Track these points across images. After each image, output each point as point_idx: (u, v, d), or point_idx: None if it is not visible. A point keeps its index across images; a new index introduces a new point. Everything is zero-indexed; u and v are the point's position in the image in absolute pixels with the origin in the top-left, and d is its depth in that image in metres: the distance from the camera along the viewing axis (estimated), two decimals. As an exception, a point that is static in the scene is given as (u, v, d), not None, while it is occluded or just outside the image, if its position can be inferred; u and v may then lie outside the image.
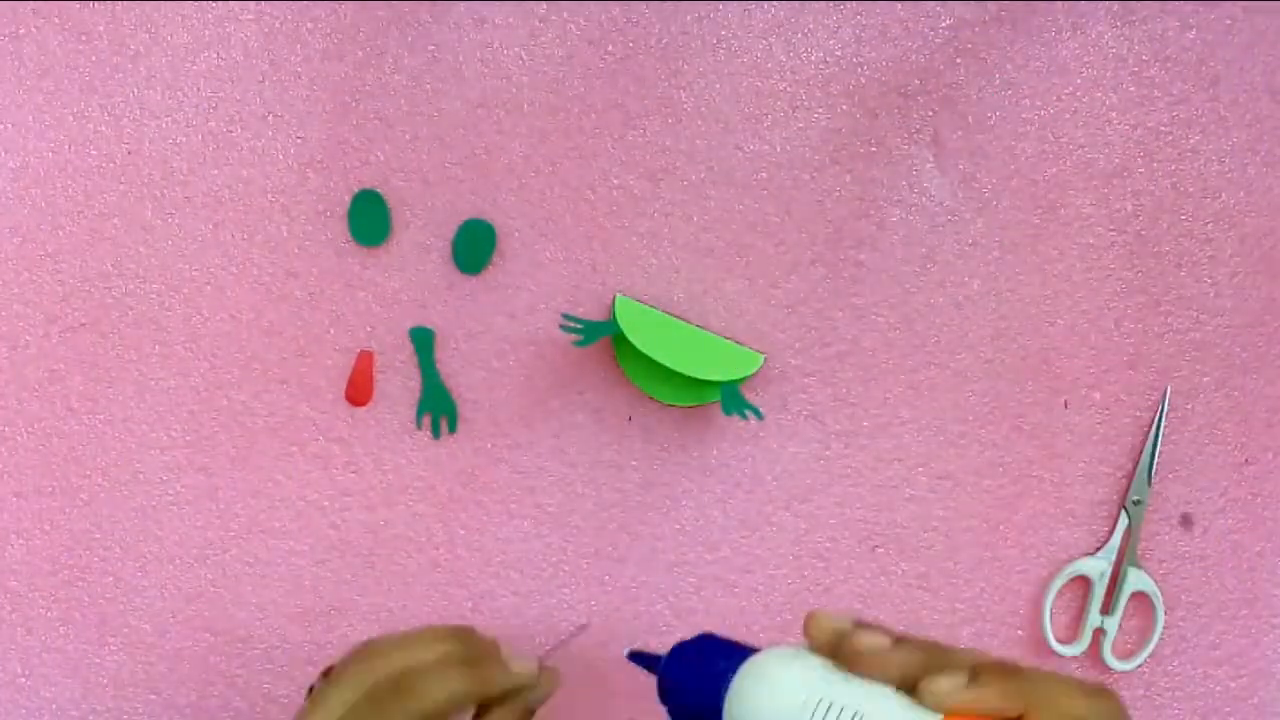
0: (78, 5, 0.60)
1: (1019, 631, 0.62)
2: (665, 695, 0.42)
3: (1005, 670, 0.35)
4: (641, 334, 0.58)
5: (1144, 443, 0.61)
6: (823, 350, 0.61)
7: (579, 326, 0.57)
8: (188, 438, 0.61)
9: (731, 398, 0.58)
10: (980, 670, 0.35)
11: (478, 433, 0.61)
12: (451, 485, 0.61)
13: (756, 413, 0.58)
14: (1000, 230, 0.61)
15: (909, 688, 0.36)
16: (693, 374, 0.57)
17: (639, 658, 0.45)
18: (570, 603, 0.62)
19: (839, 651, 0.38)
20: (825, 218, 0.60)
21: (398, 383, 0.61)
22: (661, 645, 0.63)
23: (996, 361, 0.61)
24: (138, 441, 0.61)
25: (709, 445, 0.61)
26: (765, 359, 0.60)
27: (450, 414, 0.61)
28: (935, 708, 0.34)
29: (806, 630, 0.39)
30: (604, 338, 0.59)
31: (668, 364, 0.57)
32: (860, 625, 0.38)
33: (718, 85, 0.60)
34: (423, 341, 0.60)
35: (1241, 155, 0.61)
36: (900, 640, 0.37)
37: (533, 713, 0.51)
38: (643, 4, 0.59)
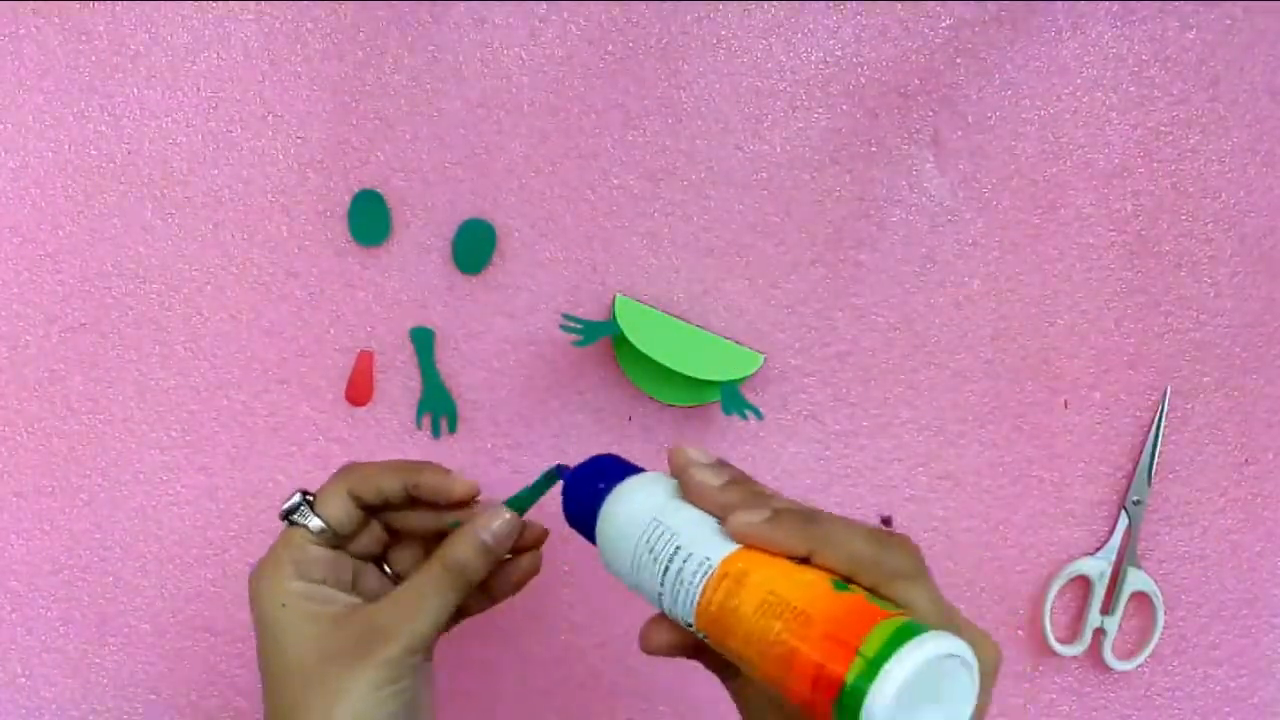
0: (78, 5, 0.60)
1: (1019, 631, 0.62)
2: (565, 509, 0.47)
3: (803, 514, 0.39)
4: (641, 334, 0.58)
5: (1144, 443, 0.61)
6: (823, 350, 0.61)
7: (579, 326, 0.57)
8: (188, 438, 0.61)
9: (731, 398, 0.58)
10: (781, 512, 0.39)
11: (478, 433, 0.61)
12: (451, 485, 0.61)
13: (756, 412, 0.58)
14: (1000, 230, 0.61)
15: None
16: (693, 374, 0.57)
17: (560, 471, 0.48)
18: (570, 602, 0.62)
19: (685, 492, 0.42)
20: (825, 218, 0.60)
21: (398, 383, 0.61)
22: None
23: (996, 361, 0.61)
24: (138, 441, 0.61)
25: (709, 445, 0.61)
26: (765, 359, 0.60)
27: (450, 414, 0.61)
28: (734, 538, 0.39)
29: (669, 460, 0.43)
30: (604, 338, 0.59)
31: (668, 364, 0.57)
32: (710, 464, 0.42)
33: (718, 85, 0.60)
34: (423, 341, 0.60)
35: (1241, 155, 0.61)
36: (733, 481, 0.41)
37: (514, 585, 0.50)
38: (643, 4, 0.59)
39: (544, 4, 0.59)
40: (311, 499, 0.47)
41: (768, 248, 0.60)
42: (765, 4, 0.60)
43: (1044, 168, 0.60)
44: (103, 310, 0.61)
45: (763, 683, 0.37)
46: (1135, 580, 0.61)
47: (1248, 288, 0.61)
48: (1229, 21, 0.60)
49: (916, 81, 0.60)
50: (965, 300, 0.61)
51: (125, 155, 0.60)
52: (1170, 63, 0.60)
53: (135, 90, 0.60)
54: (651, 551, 0.40)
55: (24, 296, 0.61)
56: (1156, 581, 0.61)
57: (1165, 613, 0.61)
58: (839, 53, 0.60)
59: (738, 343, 0.60)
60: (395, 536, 0.50)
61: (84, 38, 0.60)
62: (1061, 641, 0.62)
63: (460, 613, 0.48)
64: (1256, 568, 0.62)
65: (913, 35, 0.60)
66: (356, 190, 0.60)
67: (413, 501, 0.48)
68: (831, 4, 0.60)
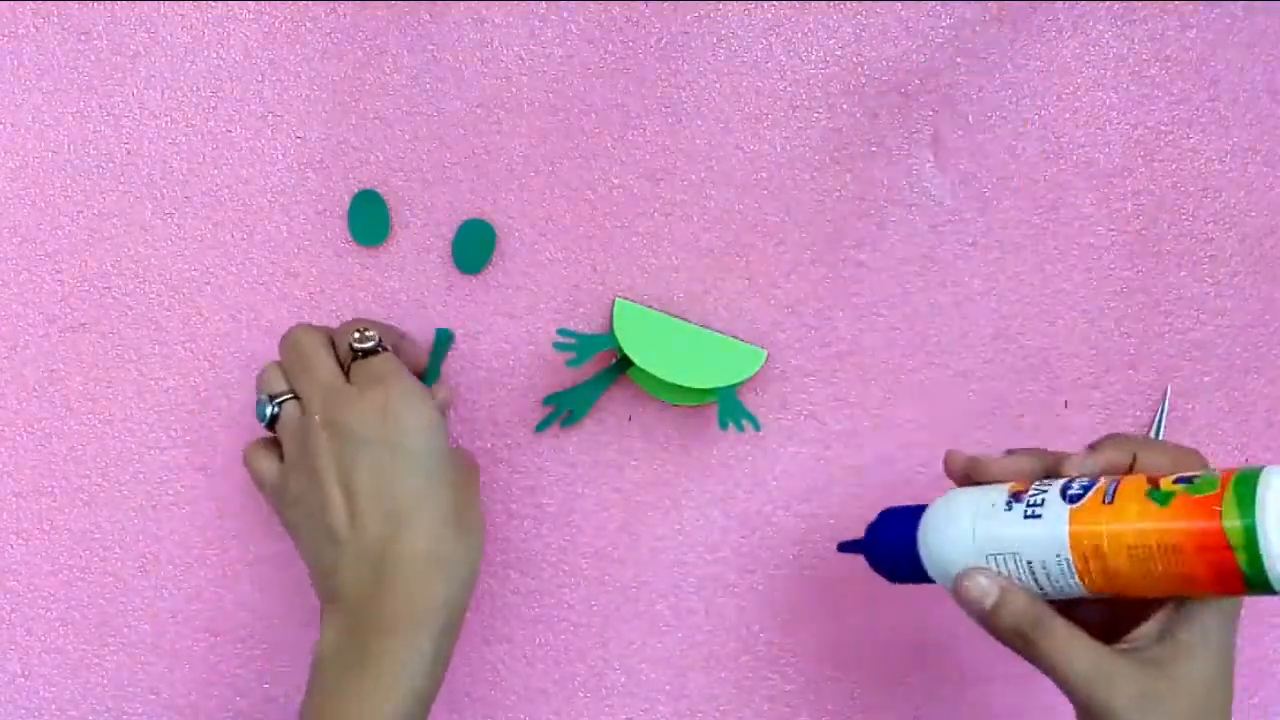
0: (78, 5, 0.60)
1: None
2: (875, 563, 0.52)
3: (1113, 437, 0.46)
4: (640, 342, 0.58)
5: (1144, 443, 0.61)
6: (823, 350, 0.61)
7: (573, 343, 0.57)
8: (188, 438, 0.61)
9: (728, 407, 0.57)
10: (1094, 444, 0.46)
11: (478, 433, 0.61)
12: (451, 485, 0.61)
13: (754, 423, 0.58)
14: (1000, 230, 0.61)
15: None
16: (694, 384, 0.57)
17: (848, 546, 0.53)
18: (570, 603, 0.62)
19: (975, 475, 0.48)
20: (825, 218, 0.60)
21: (398, 383, 0.61)
22: (663, 647, 0.63)
23: (996, 361, 0.61)
24: (138, 441, 0.61)
25: (709, 445, 0.61)
26: (767, 355, 0.60)
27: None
28: (1077, 473, 0.45)
29: (946, 466, 0.49)
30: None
31: (668, 377, 0.57)
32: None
33: (718, 85, 0.60)
34: (443, 342, 0.60)
35: (1242, 155, 0.61)
36: (1008, 450, 0.48)
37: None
38: (643, 4, 0.59)
39: (544, 4, 0.59)
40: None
41: (768, 248, 0.60)
42: (765, 4, 0.60)
43: (1044, 168, 0.60)
44: (103, 310, 0.61)
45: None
46: (1135, 580, 0.61)
47: (1248, 288, 0.61)
48: (1229, 21, 0.60)
49: (916, 81, 0.60)
50: (965, 300, 0.61)
51: (125, 155, 0.60)
52: (1170, 62, 0.60)
53: (135, 90, 0.60)
54: (1007, 573, 0.45)
55: (24, 296, 0.61)
56: (1156, 581, 0.61)
57: (1165, 613, 0.61)
58: (839, 53, 0.60)
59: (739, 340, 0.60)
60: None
61: (83, 38, 0.60)
62: (1062, 641, 0.61)
63: None
64: (1257, 568, 0.62)
65: (913, 35, 0.60)
66: (356, 190, 0.60)
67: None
68: (831, 4, 0.60)
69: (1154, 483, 0.41)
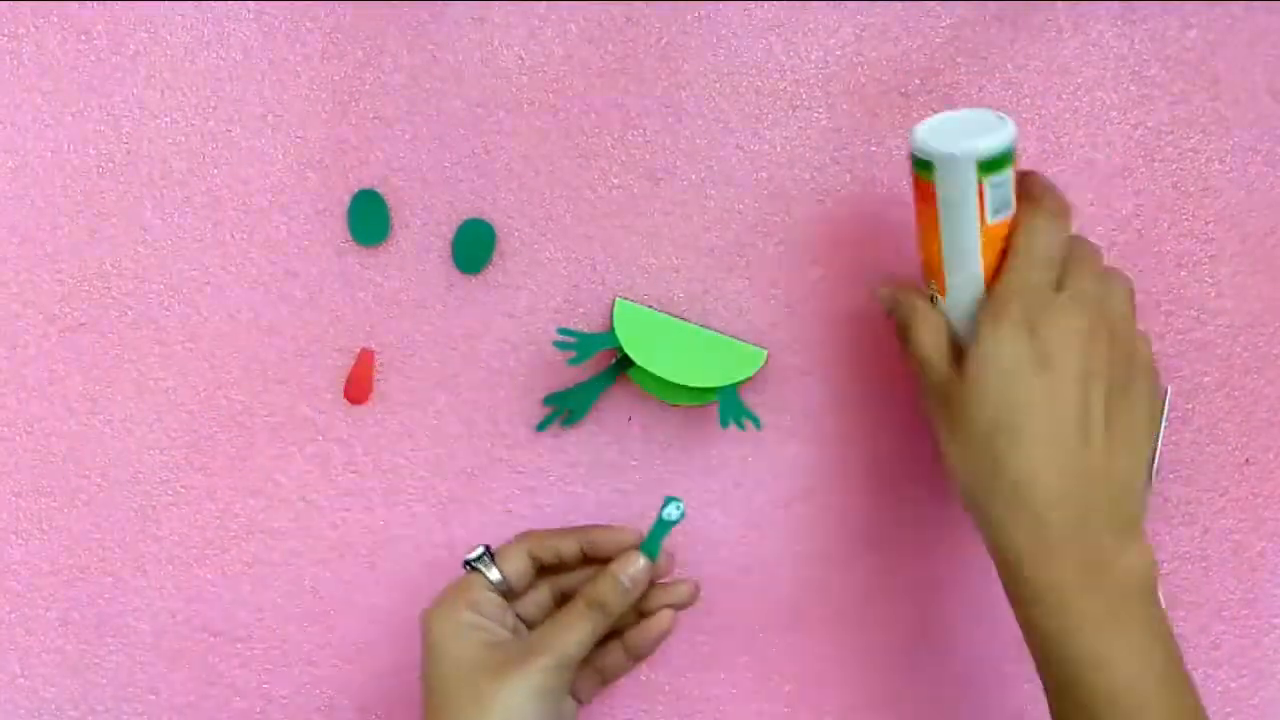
0: (77, 5, 0.60)
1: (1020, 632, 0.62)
2: None
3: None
4: (641, 342, 0.58)
5: (1144, 443, 0.61)
6: (823, 350, 0.61)
7: (574, 341, 0.57)
8: (188, 438, 0.61)
9: (729, 406, 0.58)
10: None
11: (477, 432, 0.61)
12: (451, 485, 0.61)
13: (755, 422, 0.58)
14: (1000, 230, 0.61)
15: None
16: (695, 383, 0.57)
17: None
18: (570, 603, 0.62)
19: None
20: (825, 218, 0.60)
21: (397, 383, 0.61)
22: (663, 647, 0.63)
23: (997, 361, 0.61)
24: (138, 441, 0.61)
25: (709, 445, 0.61)
26: (768, 355, 0.60)
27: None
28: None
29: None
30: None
31: (669, 377, 0.57)
32: None
33: (718, 85, 0.60)
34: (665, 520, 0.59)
35: (1242, 155, 0.61)
36: None
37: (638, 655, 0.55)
38: (643, 4, 0.59)
39: (544, 4, 0.59)
40: (493, 552, 0.53)
41: (768, 248, 0.60)
42: (765, 4, 0.60)
43: (1044, 168, 0.60)
44: (102, 310, 0.61)
45: None
46: (1135, 580, 0.61)
47: (1248, 288, 0.61)
48: (1230, 20, 0.60)
49: (916, 81, 0.60)
50: (965, 300, 0.61)
51: (125, 155, 0.60)
52: (1171, 62, 0.60)
53: (134, 90, 0.60)
54: None
55: (24, 296, 0.61)
56: (1157, 581, 0.61)
57: (1165, 613, 0.61)
58: (839, 52, 0.60)
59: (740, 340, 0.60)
60: (558, 604, 0.55)
61: (83, 38, 0.60)
62: (1062, 642, 0.61)
63: (607, 674, 0.55)
64: (1257, 568, 0.62)
65: (913, 35, 0.60)
66: (356, 190, 0.60)
67: (585, 560, 0.54)
68: (831, 3, 0.60)
69: None
